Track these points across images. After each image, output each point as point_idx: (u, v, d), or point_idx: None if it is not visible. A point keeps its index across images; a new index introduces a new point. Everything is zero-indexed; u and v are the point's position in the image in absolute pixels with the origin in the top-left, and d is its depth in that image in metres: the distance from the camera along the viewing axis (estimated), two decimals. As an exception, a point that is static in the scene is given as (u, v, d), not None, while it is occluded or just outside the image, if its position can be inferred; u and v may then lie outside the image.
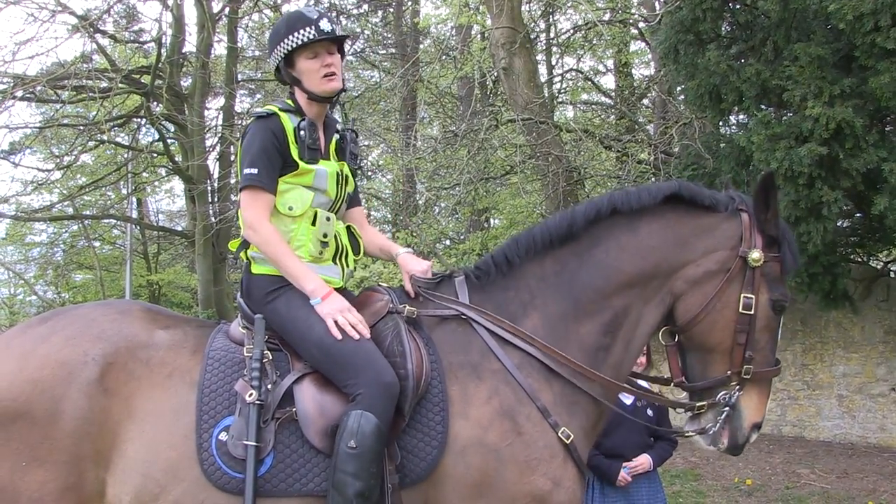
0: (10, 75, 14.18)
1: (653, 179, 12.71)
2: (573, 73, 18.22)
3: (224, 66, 17.51)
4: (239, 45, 18.05)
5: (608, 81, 19.99)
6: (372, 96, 16.37)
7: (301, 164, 3.13)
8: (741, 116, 10.15)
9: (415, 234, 14.21)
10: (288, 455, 2.86)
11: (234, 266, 19.05)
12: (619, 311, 3.10)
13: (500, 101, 14.25)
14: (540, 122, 11.55)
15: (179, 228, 23.31)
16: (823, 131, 7.80)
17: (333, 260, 3.24)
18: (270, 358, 3.00)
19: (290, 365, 3.01)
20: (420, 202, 16.44)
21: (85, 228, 22.45)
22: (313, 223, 3.16)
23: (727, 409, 3.09)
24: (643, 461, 4.59)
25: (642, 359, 4.32)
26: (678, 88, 11.28)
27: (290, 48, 3.17)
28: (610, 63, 19.14)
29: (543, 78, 16.41)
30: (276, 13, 17.38)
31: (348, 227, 3.37)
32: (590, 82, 18.72)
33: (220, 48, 17.97)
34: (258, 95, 20.49)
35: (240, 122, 17.28)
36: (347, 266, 3.29)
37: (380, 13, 20.17)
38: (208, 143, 17.74)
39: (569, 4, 14.98)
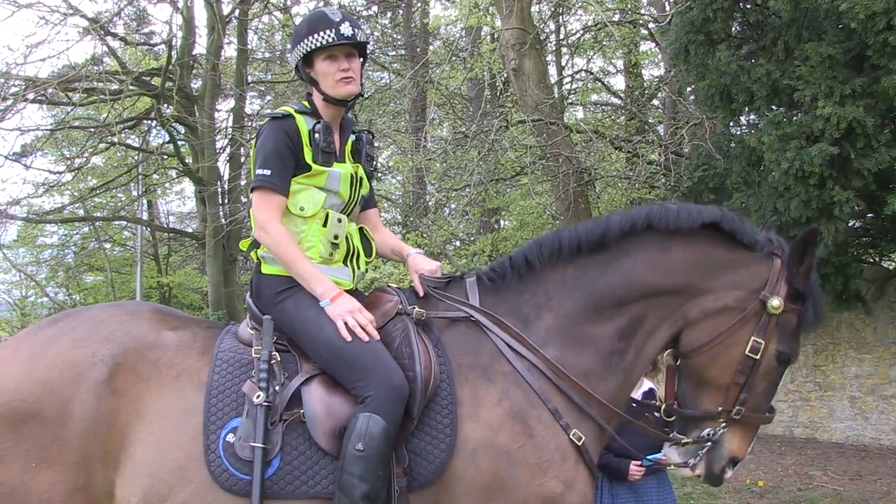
0: (21, 78, 14.25)
1: (663, 180, 12.69)
2: (583, 74, 18.20)
3: (234, 68, 17.54)
4: (249, 46, 18.10)
5: (618, 82, 19.99)
6: (382, 98, 16.38)
7: (314, 166, 3.12)
8: (752, 116, 10.11)
9: (425, 236, 14.22)
10: (295, 457, 2.85)
11: (245, 268, 19.11)
12: (634, 319, 3.08)
13: (510, 102, 14.23)
14: (550, 122, 11.52)
15: (190, 230, 23.37)
16: (834, 131, 7.76)
17: (344, 262, 3.22)
18: (279, 359, 2.98)
19: (299, 366, 3.00)
20: (430, 203, 16.44)
21: (96, 230, 22.56)
22: (324, 224, 3.14)
23: (709, 443, 3.08)
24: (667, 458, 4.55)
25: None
26: (688, 89, 11.27)
27: (308, 49, 3.16)
28: (620, 64, 19.12)
29: (553, 79, 16.40)
30: (286, 15, 17.42)
31: (361, 230, 3.36)
32: (600, 83, 18.69)
33: (230, 50, 18.02)
34: (268, 97, 20.54)
35: (250, 123, 17.33)
36: (358, 268, 3.28)
37: (389, 14, 20.19)
38: (218, 144, 17.80)
39: (579, 5, 14.94)
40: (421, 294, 3.22)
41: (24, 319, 24.43)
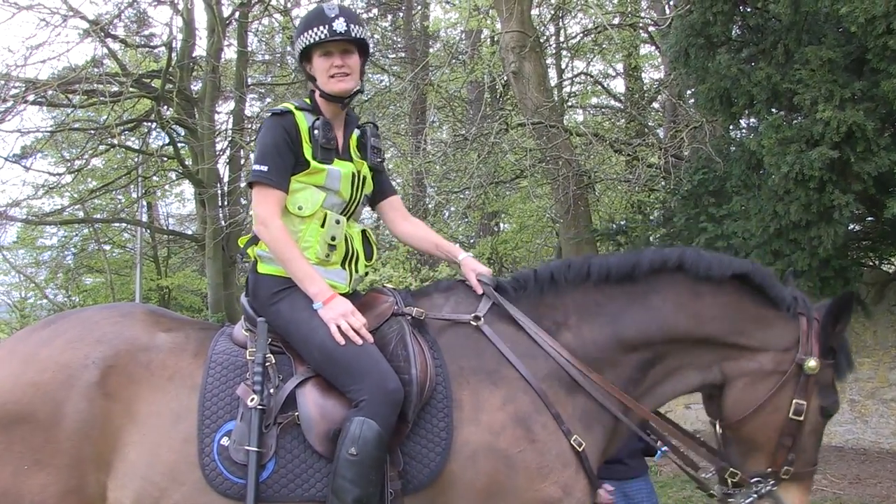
0: (22, 79, 14.25)
1: (663, 183, 12.67)
2: (583, 77, 18.18)
3: (234, 70, 17.56)
4: (249, 49, 18.10)
5: (618, 85, 19.96)
6: (382, 100, 16.38)
7: (313, 163, 3.09)
8: (752, 120, 10.09)
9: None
10: (290, 460, 2.83)
11: (244, 269, 19.08)
12: (658, 356, 3.08)
13: (509, 104, 14.23)
14: (550, 125, 11.51)
15: (189, 232, 23.40)
16: (834, 135, 7.73)
17: (342, 264, 3.19)
18: (273, 361, 2.97)
19: (294, 368, 2.98)
20: (430, 206, 16.42)
21: (95, 232, 22.57)
22: (322, 225, 3.12)
23: (755, 495, 3.05)
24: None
25: None
26: (688, 92, 11.24)
27: (303, 45, 3.17)
28: (620, 67, 19.09)
29: (553, 82, 16.38)
30: (286, 17, 17.42)
31: (363, 232, 3.34)
32: (600, 86, 18.68)
33: (230, 52, 18.04)
34: (268, 99, 20.56)
35: (250, 126, 17.33)
36: (356, 272, 3.25)
37: (390, 17, 20.20)
38: (218, 146, 17.82)
39: (578, 8, 14.95)
40: (480, 292, 3.16)
41: (24, 321, 24.39)
